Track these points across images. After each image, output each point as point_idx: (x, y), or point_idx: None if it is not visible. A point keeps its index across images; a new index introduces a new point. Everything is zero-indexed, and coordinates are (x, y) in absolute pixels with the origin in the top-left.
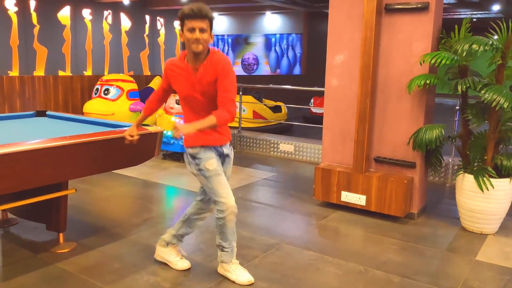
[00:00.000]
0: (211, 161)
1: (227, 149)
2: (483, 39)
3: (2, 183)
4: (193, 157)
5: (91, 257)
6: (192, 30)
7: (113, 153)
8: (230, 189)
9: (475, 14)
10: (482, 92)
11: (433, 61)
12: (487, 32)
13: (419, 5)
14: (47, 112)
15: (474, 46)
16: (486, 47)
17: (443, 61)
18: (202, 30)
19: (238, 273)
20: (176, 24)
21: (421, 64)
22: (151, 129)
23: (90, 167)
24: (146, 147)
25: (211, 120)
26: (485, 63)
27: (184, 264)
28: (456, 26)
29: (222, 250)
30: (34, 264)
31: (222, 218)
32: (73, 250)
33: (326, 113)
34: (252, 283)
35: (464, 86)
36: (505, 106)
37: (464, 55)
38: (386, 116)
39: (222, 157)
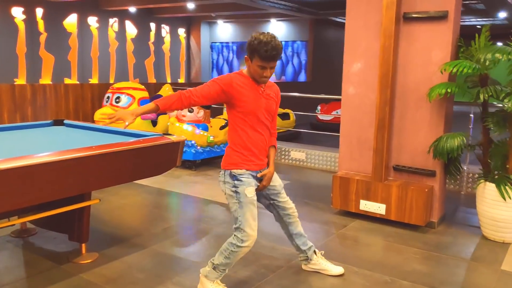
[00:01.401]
0: (251, 188)
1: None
2: (506, 48)
3: (27, 195)
4: (235, 177)
5: (114, 267)
6: (263, 68)
7: (137, 163)
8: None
9: (481, 21)
10: (506, 100)
11: (454, 70)
12: (495, 39)
13: (439, 14)
14: (65, 121)
15: (497, 55)
16: (510, 56)
17: (465, 70)
18: (272, 68)
19: None
20: (181, 31)
21: (442, 72)
22: (174, 138)
23: (114, 178)
24: (169, 156)
25: (274, 152)
26: (504, 71)
27: (338, 269)
28: (476, 35)
29: (215, 269)
30: (58, 275)
31: (240, 247)
32: (96, 261)
33: (343, 121)
34: None
35: (487, 95)
36: None
37: (487, 64)
38: (404, 124)
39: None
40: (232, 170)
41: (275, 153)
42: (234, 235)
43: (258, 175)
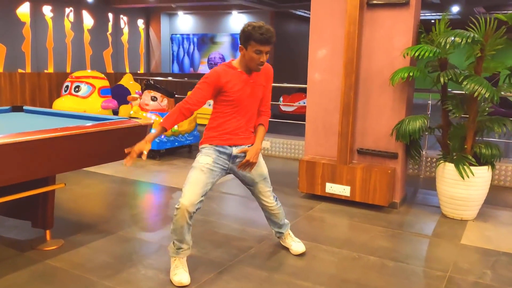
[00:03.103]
0: (205, 157)
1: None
2: (465, 32)
3: None
4: (199, 151)
5: (81, 253)
6: (259, 52)
7: (104, 145)
8: (200, 189)
9: (436, 15)
10: (464, 83)
11: (416, 54)
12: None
13: (401, 1)
14: (24, 107)
15: (456, 38)
16: (468, 40)
17: (426, 54)
18: (267, 53)
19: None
20: (140, 23)
21: (404, 57)
22: (141, 121)
23: (81, 160)
24: (136, 139)
25: (263, 131)
26: (462, 57)
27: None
28: (437, 21)
29: (173, 242)
30: (22, 262)
31: (177, 209)
32: (62, 247)
33: (309, 107)
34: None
35: (446, 78)
36: (486, 96)
37: (447, 47)
38: (368, 108)
39: (230, 159)
40: (199, 147)
41: (265, 132)
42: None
43: (238, 151)
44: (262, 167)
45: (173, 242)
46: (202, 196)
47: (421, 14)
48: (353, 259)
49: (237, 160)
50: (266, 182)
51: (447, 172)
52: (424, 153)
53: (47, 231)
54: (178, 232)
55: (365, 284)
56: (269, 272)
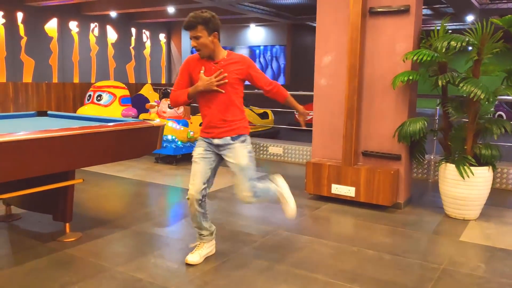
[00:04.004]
0: (198, 149)
1: (221, 141)
2: (460, 36)
3: (15, 169)
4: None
5: (98, 244)
6: (190, 39)
7: (119, 144)
8: (200, 178)
9: (451, 25)
10: (461, 85)
11: (415, 58)
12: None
13: (401, 8)
14: (48, 112)
15: (452, 42)
16: (463, 43)
17: (424, 58)
18: (196, 38)
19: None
20: (162, 37)
21: (404, 61)
22: (154, 123)
23: (97, 157)
24: (150, 139)
25: (290, 97)
26: (463, 61)
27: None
28: (435, 27)
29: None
30: (43, 251)
31: (188, 203)
32: (80, 239)
33: (316, 112)
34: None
35: (444, 81)
36: (482, 97)
37: (443, 51)
38: (372, 112)
39: (217, 148)
40: None
41: (291, 97)
42: None
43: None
44: (239, 158)
45: (196, 230)
46: (204, 184)
47: (437, 24)
48: (351, 252)
49: (221, 148)
50: (241, 173)
51: (448, 172)
52: (432, 157)
53: (67, 224)
54: (193, 219)
55: (360, 273)
56: (270, 262)
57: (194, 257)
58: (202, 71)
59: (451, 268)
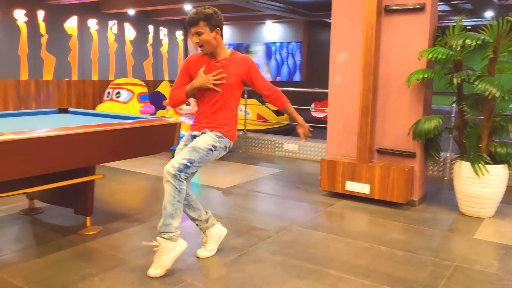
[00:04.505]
0: (181, 141)
1: (198, 133)
2: (476, 34)
3: (39, 164)
4: None
5: (117, 238)
6: (192, 35)
7: (138, 141)
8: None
9: (469, 21)
10: (476, 83)
11: (430, 56)
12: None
13: (416, 6)
14: (69, 109)
15: (467, 41)
16: (478, 42)
17: (439, 56)
18: (198, 34)
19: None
20: (179, 34)
21: (419, 59)
22: (171, 120)
23: (117, 153)
24: (167, 136)
25: (290, 107)
26: (479, 59)
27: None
28: (450, 26)
29: None
30: (64, 244)
31: None
32: (100, 233)
33: (331, 109)
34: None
35: (459, 79)
36: (497, 95)
37: (458, 49)
38: (387, 109)
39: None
40: None
41: (291, 106)
42: None
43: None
44: (199, 140)
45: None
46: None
47: (453, 21)
48: (365, 248)
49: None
50: (187, 150)
51: (463, 170)
52: (448, 155)
53: (87, 218)
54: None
55: (373, 269)
56: (284, 257)
57: (203, 252)
58: (202, 69)
59: (464, 265)
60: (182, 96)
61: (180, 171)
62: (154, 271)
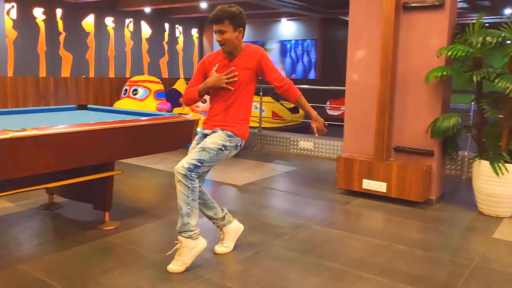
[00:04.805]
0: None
1: (210, 132)
2: (497, 31)
3: (61, 159)
4: None
5: (135, 233)
6: (215, 33)
7: (156, 137)
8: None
9: (487, 18)
10: (496, 81)
11: (449, 53)
12: None
13: (436, 3)
14: (88, 106)
15: (488, 38)
16: (499, 39)
17: (459, 53)
18: (221, 32)
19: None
20: (194, 32)
21: (438, 56)
22: (189, 117)
23: (135, 149)
24: (185, 133)
25: (303, 100)
26: (499, 56)
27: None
28: (470, 23)
29: None
30: (84, 238)
31: None
32: (118, 228)
33: (347, 107)
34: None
35: (479, 76)
36: None
37: (478, 47)
38: (405, 107)
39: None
40: None
41: (304, 99)
42: None
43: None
44: (210, 140)
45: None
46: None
47: (473, 18)
48: (382, 247)
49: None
50: (197, 150)
51: (482, 169)
52: (466, 153)
53: (106, 213)
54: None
55: (391, 268)
56: (300, 254)
57: (220, 248)
58: (214, 68)
59: (483, 264)
60: (195, 95)
61: (190, 171)
62: (175, 267)
